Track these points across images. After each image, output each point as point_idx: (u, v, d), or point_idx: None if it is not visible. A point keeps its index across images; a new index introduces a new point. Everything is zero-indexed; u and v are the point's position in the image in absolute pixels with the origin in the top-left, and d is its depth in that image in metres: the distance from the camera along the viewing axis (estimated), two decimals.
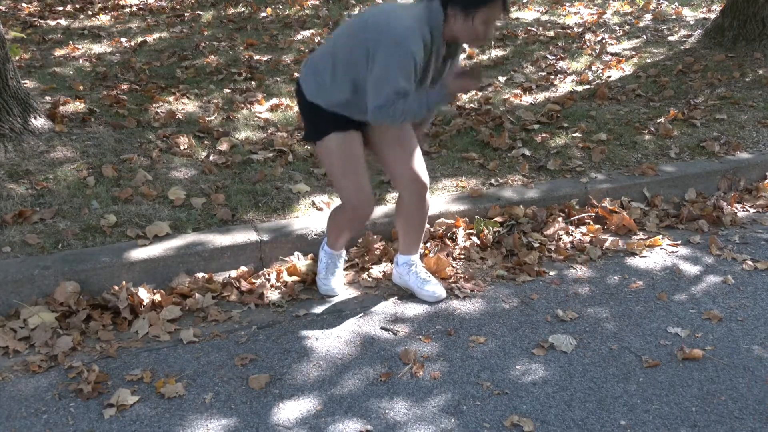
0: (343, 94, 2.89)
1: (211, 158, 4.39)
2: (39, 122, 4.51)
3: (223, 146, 4.52)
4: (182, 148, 4.49)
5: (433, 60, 2.81)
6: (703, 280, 3.53)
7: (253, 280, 3.45)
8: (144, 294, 3.22)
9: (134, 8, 7.93)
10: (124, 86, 5.54)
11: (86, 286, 3.26)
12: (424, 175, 3.14)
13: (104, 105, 5.13)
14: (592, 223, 3.99)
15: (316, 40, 6.78)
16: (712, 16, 7.27)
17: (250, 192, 4.00)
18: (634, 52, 6.41)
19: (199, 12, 7.79)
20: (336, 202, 3.94)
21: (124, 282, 3.27)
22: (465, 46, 2.90)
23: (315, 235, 3.64)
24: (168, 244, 3.47)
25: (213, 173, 4.22)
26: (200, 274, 3.42)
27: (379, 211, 3.86)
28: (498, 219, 3.88)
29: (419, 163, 3.12)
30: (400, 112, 2.74)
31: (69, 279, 3.23)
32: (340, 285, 3.42)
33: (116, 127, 4.78)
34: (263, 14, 7.72)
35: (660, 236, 3.88)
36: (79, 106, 5.07)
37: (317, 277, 3.42)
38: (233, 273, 3.47)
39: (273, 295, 3.36)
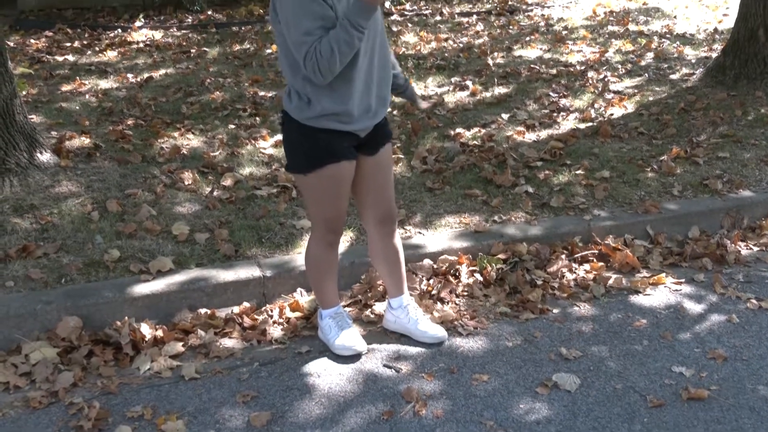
0: (312, 91, 2.75)
1: (215, 194, 4.41)
2: (45, 157, 4.54)
3: (227, 182, 4.54)
4: (186, 183, 4.51)
5: None
6: (707, 318, 3.51)
7: (256, 316, 3.44)
8: (146, 329, 3.21)
9: (141, 45, 8.02)
10: (130, 121, 5.58)
11: (88, 322, 3.25)
12: (395, 212, 3.14)
13: (110, 140, 5.16)
14: (595, 260, 3.98)
15: None
16: (714, 55, 7.33)
17: (253, 227, 4.01)
18: (636, 90, 6.46)
19: (205, 49, 7.87)
20: (342, 239, 3.94)
21: (126, 317, 3.26)
22: None
23: None
24: (171, 280, 3.47)
25: (217, 208, 4.23)
26: (203, 310, 3.41)
27: None
28: (501, 256, 3.88)
29: (392, 200, 3.11)
30: (327, 50, 2.55)
31: (71, 314, 3.23)
32: (360, 338, 3.22)
33: (121, 162, 4.81)
34: (268, 51, 7.80)
35: (663, 274, 3.87)
36: (84, 141, 5.10)
37: (332, 347, 3.19)
38: (236, 309, 3.46)
39: (275, 332, 3.35)
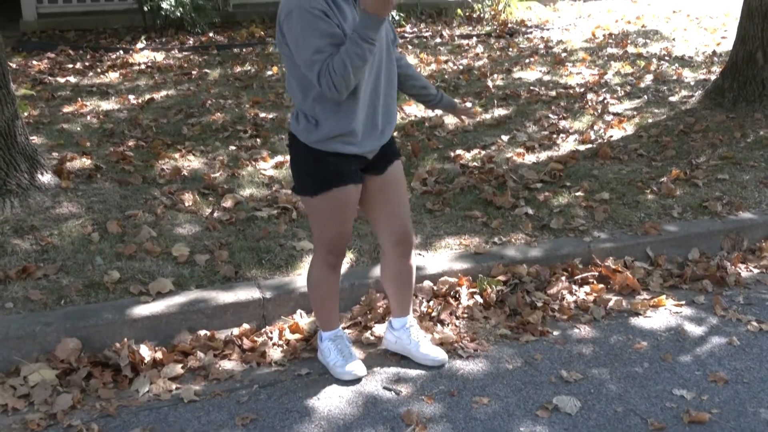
0: (320, 111, 2.76)
1: (215, 215, 4.42)
2: (46, 178, 4.55)
3: (228, 203, 4.55)
4: (187, 204, 4.51)
5: (346, 10, 2.69)
6: (708, 341, 3.50)
7: (255, 338, 3.43)
8: (145, 351, 3.21)
9: (143, 66, 8.06)
10: (131, 143, 5.60)
11: (88, 343, 3.25)
12: (411, 232, 3.14)
13: (110, 161, 5.18)
14: (595, 282, 3.98)
15: None
16: (713, 77, 7.37)
17: (253, 249, 4.01)
18: (635, 112, 6.48)
19: (206, 70, 7.91)
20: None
21: (125, 339, 3.25)
22: None
23: None
24: (171, 301, 3.47)
25: (217, 230, 4.23)
26: (202, 332, 3.40)
27: None
28: (501, 278, 3.87)
29: (407, 220, 3.11)
30: (340, 66, 2.57)
31: (71, 336, 3.22)
32: (359, 362, 3.22)
33: (122, 183, 4.82)
34: (269, 72, 7.84)
35: (664, 296, 3.87)
36: (85, 162, 5.12)
37: (331, 370, 3.18)
38: (235, 331, 3.46)
39: (275, 354, 3.34)
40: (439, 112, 6.57)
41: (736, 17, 6.92)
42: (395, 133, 5.95)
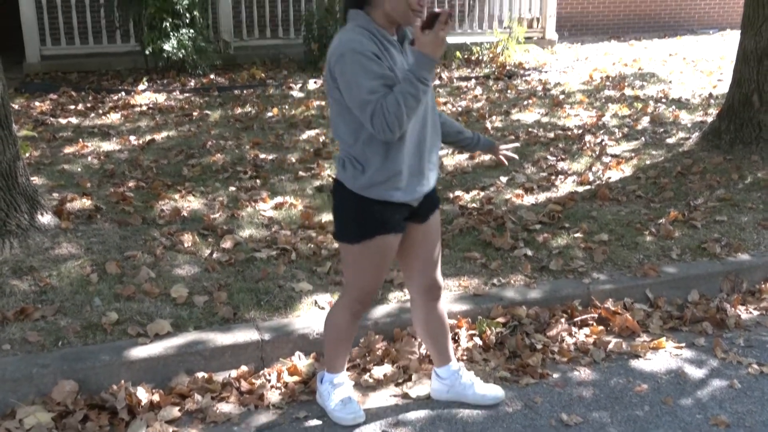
0: (370, 155, 2.77)
1: (214, 256, 4.42)
2: (45, 219, 4.56)
3: (227, 244, 4.55)
4: (186, 245, 4.52)
5: (395, 54, 2.74)
6: (708, 384, 3.48)
7: (254, 381, 3.41)
8: (142, 394, 3.18)
9: (144, 107, 8.12)
10: (131, 183, 5.62)
11: (85, 385, 3.23)
12: (441, 280, 3.15)
13: (111, 202, 5.19)
14: (595, 324, 3.97)
15: (321, 140, 6.91)
16: (709, 119, 7.42)
17: (252, 290, 4.01)
18: (633, 154, 6.52)
19: (207, 112, 7.98)
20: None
21: (122, 381, 3.23)
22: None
23: (317, 334, 3.62)
24: (169, 343, 3.46)
25: (216, 271, 4.23)
26: (200, 374, 3.38)
27: (381, 310, 3.86)
28: (501, 319, 3.86)
29: (439, 268, 3.12)
30: (394, 105, 2.57)
31: (68, 378, 3.21)
32: (360, 408, 3.18)
33: (121, 224, 4.83)
34: (269, 114, 7.90)
35: (664, 338, 3.85)
36: (85, 203, 5.13)
37: (330, 413, 3.16)
38: (233, 373, 3.44)
39: (273, 396, 3.32)
40: None
41: (732, 60, 7.01)
42: None
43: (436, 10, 2.64)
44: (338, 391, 3.17)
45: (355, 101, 2.65)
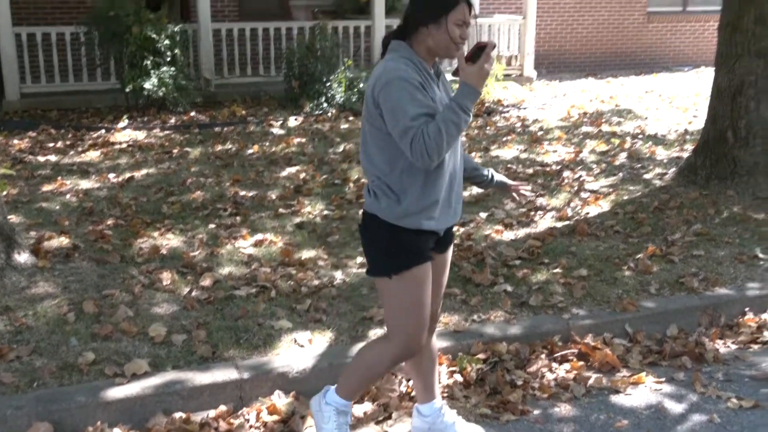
0: (408, 184, 2.78)
1: (193, 294, 4.39)
2: (22, 258, 4.52)
3: (206, 282, 4.53)
4: (165, 283, 4.49)
5: (435, 87, 2.81)
6: (688, 419, 3.48)
7: (232, 420, 3.37)
8: None
9: (124, 145, 8.12)
10: (110, 221, 5.60)
11: (60, 427, 3.18)
12: (437, 314, 3.16)
13: (89, 240, 5.16)
14: (575, 359, 3.97)
15: (301, 177, 6.93)
16: (685, 155, 7.52)
17: (231, 328, 3.98)
18: (611, 189, 6.58)
19: (187, 149, 7.98)
20: (320, 340, 3.92)
21: (98, 422, 3.19)
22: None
23: (296, 372, 3.60)
24: (146, 383, 3.42)
25: (195, 309, 4.20)
26: (178, 414, 3.34)
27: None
28: (481, 356, 3.86)
29: (442, 298, 3.16)
30: (435, 131, 2.60)
31: (42, 419, 3.16)
32: None
33: (99, 262, 4.79)
34: (250, 151, 7.92)
35: (644, 373, 3.86)
36: (63, 241, 5.10)
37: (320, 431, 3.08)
38: (212, 413, 3.40)
39: None
40: None
41: (706, 97, 7.12)
42: None
43: (482, 41, 2.70)
44: (341, 418, 3.06)
45: (398, 127, 2.67)
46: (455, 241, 5.30)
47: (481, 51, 2.64)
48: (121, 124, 9.06)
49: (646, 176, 7.01)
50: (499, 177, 3.27)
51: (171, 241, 5.26)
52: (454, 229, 5.19)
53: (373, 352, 3.03)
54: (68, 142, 8.21)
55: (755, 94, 6.21)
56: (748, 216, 5.73)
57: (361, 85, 10.34)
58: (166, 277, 4.54)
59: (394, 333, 2.93)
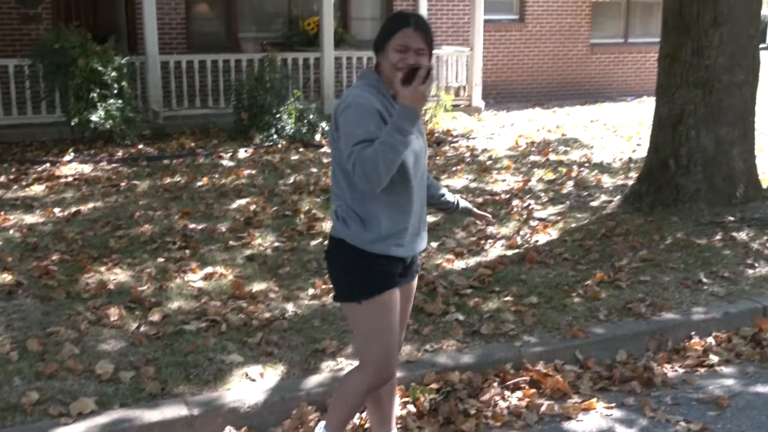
0: (373, 210, 2.79)
1: (141, 329, 4.31)
2: None
3: (155, 317, 4.45)
4: (112, 319, 4.40)
5: None
6: None
7: None
8: None
9: (70, 179, 7.98)
10: (55, 257, 5.48)
11: None
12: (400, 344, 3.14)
13: (33, 276, 5.04)
14: (527, 387, 3.99)
15: (252, 209, 6.89)
16: (630, 182, 7.68)
17: (181, 364, 3.91)
18: (559, 217, 6.68)
19: (135, 182, 7.88)
20: (272, 373, 3.87)
21: None
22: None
23: (248, 407, 3.55)
24: (92, 422, 3.34)
25: (143, 345, 4.12)
26: None
27: (314, 380, 3.81)
28: (434, 386, 3.85)
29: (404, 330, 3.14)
30: (371, 154, 2.58)
31: None
32: None
33: (44, 299, 4.68)
34: (199, 183, 7.85)
35: (594, 399, 3.90)
36: (6, 278, 4.97)
37: None
38: None
39: None
40: None
41: (649, 126, 7.30)
42: (324, 242, 5.96)
43: (418, 63, 2.72)
44: None
45: (345, 152, 2.69)
46: None
47: (415, 73, 2.66)
48: (66, 158, 8.91)
49: (593, 204, 7.14)
50: (463, 203, 3.33)
51: (118, 275, 5.17)
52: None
53: (348, 383, 3.04)
54: (12, 177, 8.04)
55: (695, 123, 6.39)
56: (691, 242, 5.87)
57: (311, 116, 10.37)
58: (114, 313, 4.45)
59: (365, 359, 2.94)
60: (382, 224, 2.80)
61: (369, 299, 2.83)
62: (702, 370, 4.28)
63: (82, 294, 4.80)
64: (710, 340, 4.56)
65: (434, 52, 9.58)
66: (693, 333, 4.59)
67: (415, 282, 3.12)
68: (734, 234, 5.97)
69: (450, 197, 3.28)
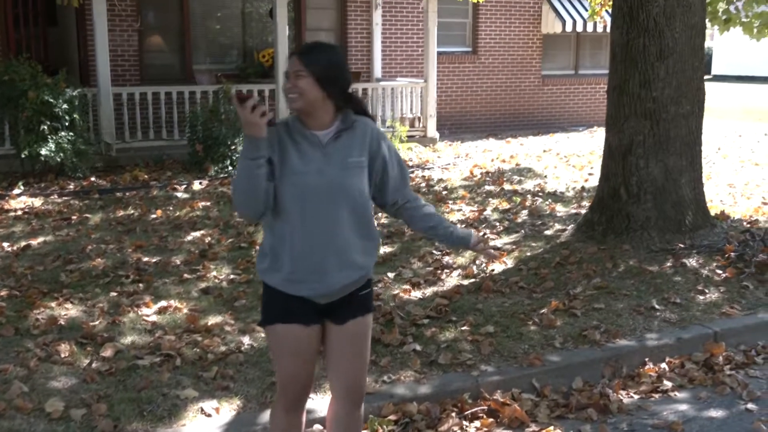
0: (265, 237, 2.89)
1: (93, 365, 4.22)
2: None
3: (107, 352, 4.36)
4: (63, 356, 4.30)
5: (302, 147, 2.82)
6: None
7: None
8: None
9: (19, 212, 7.83)
10: (3, 292, 5.35)
11: None
12: (363, 388, 3.05)
13: None
14: (485, 416, 3.99)
15: (207, 241, 6.82)
16: (583, 211, 7.80)
17: (134, 400, 3.84)
18: (514, 246, 6.75)
19: (87, 215, 7.76)
20: (228, 408, 3.82)
21: None
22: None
23: None
24: None
25: (95, 382, 4.04)
26: None
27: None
28: (392, 417, 3.84)
29: (360, 376, 3.01)
30: (232, 182, 2.71)
31: None
32: None
33: None
34: (153, 216, 7.76)
35: (552, 427, 3.91)
36: None
37: None
38: None
39: None
40: None
41: (600, 156, 7.44)
42: None
43: (239, 92, 2.73)
44: None
45: None
46: None
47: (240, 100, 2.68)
48: (16, 191, 8.74)
49: (547, 232, 7.22)
50: (458, 235, 3.12)
51: (69, 311, 5.06)
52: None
53: (271, 410, 3.12)
54: None
55: (644, 153, 6.53)
56: (643, 269, 5.97)
57: None
58: (64, 349, 4.36)
59: (277, 379, 3.03)
60: (268, 256, 2.85)
61: (265, 326, 2.93)
62: (656, 395, 4.33)
63: (32, 330, 4.69)
64: (664, 365, 4.63)
65: (389, 83, 9.63)
66: (647, 359, 4.65)
67: (357, 326, 2.94)
68: (684, 261, 6.09)
69: (440, 231, 3.08)
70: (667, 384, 4.42)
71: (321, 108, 2.79)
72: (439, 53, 13.51)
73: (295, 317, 2.83)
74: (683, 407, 4.19)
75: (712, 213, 7.13)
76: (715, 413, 4.13)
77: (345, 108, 2.85)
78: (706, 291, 5.57)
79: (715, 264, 6.08)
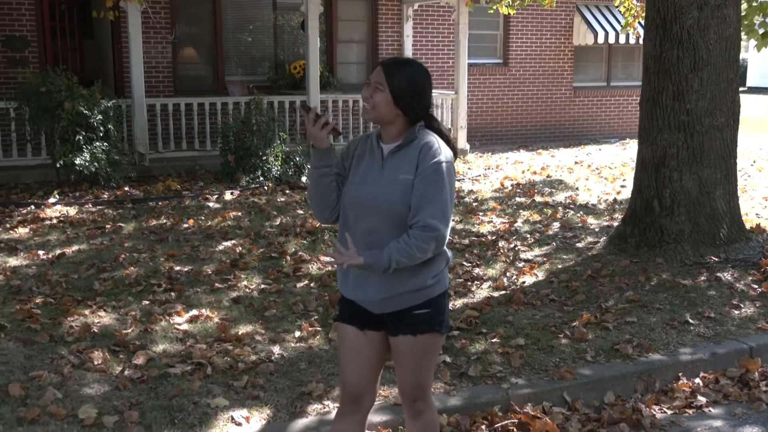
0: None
1: (125, 373, 4.26)
2: None
3: (139, 360, 4.40)
4: (96, 363, 4.35)
5: (365, 156, 2.94)
6: None
7: None
8: None
9: (54, 221, 7.94)
10: (39, 300, 5.43)
11: None
12: (416, 397, 3.06)
13: (16, 320, 4.99)
14: (515, 429, 3.96)
15: (238, 251, 6.87)
16: (615, 224, 7.74)
17: (165, 408, 3.86)
18: (545, 258, 6.70)
19: (120, 224, 7.85)
20: (258, 417, 3.83)
21: None
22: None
23: None
24: None
25: (127, 389, 4.07)
26: None
27: (300, 424, 3.76)
28: None
29: (408, 385, 3.05)
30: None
31: None
32: None
33: (27, 342, 4.62)
34: (185, 225, 7.83)
35: None
36: None
37: None
38: None
39: None
40: None
41: (633, 168, 7.38)
42: (312, 284, 5.94)
43: (307, 107, 2.92)
44: None
45: None
46: None
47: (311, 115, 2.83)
48: (51, 200, 8.87)
49: (579, 245, 7.16)
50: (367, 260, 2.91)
51: (103, 318, 5.12)
52: None
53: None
54: None
55: (677, 165, 6.46)
56: (677, 282, 5.89)
57: (297, 158, 10.41)
58: (97, 356, 4.40)
59: None
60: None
61: (335, 322, 3.06)
62: (690, 411, 4.27)
63: (66, 337, 4.74)
64: (698, 381, 4.56)
65: None
66: (680, 374, 4.58)
67: (404, 343, 2.91)
68: (719, 274, 6.01)
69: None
70: (702, 399, 4.35)
71: (392, 123, 2.84)
72: (470, 65, 13.52)
73: (352, 319, 2.97)
74: (718, 423, 4.13)
75: (747, 226, 7.02)
76: (751, 430, 4.05)
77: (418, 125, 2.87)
78: (741, 305, 5.48)
79: (750, 278, 5.99)
